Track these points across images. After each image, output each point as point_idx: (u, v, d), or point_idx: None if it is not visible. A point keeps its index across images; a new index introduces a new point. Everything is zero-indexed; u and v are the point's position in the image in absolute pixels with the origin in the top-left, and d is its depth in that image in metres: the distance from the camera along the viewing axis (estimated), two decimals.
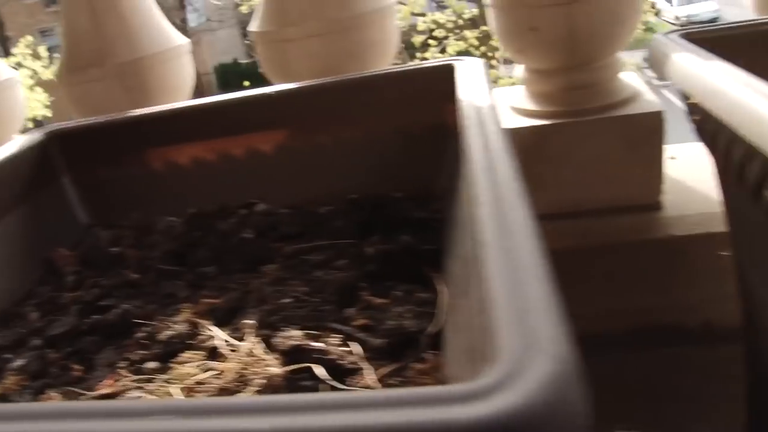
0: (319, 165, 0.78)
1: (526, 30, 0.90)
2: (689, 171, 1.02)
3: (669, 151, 1.05)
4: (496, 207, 0.37)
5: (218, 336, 0.57)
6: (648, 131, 0.91)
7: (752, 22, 0.72)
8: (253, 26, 1.00)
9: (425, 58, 8.38)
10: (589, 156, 0.92)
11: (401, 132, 0.74)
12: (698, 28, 0.72)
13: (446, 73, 0.69)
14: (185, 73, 1.13)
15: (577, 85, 0.93)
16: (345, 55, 0.96)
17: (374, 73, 0.78)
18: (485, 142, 0.47)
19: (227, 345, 0.55)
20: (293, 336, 0.53)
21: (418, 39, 8.31)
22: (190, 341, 0.57)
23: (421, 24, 8.50)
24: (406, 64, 0.80)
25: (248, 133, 0.80)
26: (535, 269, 0.31)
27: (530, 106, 0.96)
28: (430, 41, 8.20)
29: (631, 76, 1.01)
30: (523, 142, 0.93)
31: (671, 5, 14.21)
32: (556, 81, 0.94)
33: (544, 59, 0.93)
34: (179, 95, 1.11)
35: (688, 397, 0.96)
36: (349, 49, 0.97)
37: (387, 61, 1.02)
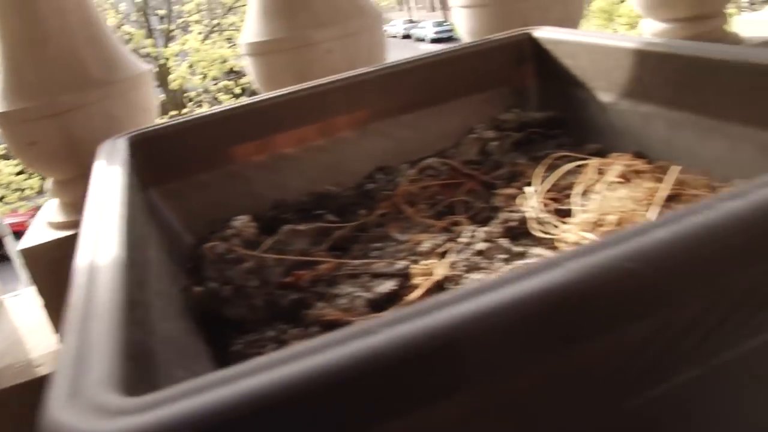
0: None
1: (26, 145, 0.89)
2: None
3: None
4: None
5: None
6: None
7: (195, 117, 0.75)
8: None
9: None
10: None
11: None
12: (147, 128, 0.73)
13: None
14: None
15: None
16: None
17: None
18: None
19: None
20: None
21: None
22: None
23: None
24: None
25: None
26: None
27: (60, 217, 0.94)
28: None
29: None
30: (51, 255, 0.91)
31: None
32: (79, 190, 0.93)
33: (53, 171, 0.92)
34: None
35: None
36: None
37: None
